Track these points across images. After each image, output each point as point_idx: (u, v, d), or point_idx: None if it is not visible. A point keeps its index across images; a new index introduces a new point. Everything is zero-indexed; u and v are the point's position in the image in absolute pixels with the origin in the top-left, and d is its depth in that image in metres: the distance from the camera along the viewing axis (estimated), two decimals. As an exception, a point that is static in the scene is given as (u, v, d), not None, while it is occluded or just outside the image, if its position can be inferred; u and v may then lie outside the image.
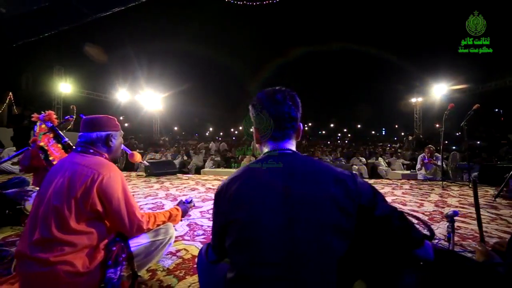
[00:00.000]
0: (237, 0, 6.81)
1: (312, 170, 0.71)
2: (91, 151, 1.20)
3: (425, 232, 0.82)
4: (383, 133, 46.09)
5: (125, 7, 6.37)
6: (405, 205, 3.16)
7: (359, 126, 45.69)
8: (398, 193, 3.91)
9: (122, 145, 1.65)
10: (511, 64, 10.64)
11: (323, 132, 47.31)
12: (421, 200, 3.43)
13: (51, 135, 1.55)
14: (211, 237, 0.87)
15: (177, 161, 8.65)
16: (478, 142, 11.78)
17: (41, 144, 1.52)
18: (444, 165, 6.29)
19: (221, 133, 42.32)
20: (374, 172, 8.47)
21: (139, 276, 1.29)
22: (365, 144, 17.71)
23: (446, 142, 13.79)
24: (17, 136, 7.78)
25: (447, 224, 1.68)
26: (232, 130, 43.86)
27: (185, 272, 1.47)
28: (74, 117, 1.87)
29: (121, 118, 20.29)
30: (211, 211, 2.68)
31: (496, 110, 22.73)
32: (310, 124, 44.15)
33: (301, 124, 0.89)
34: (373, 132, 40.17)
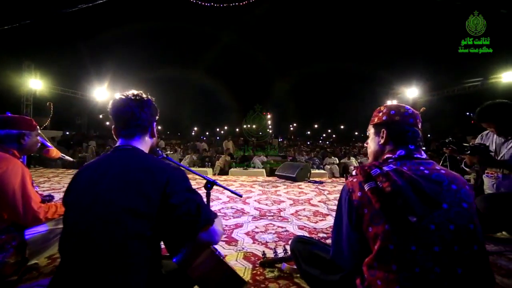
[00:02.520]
0: (203, 1, 6.85)
1: (130, 162, 0.82)
2: None
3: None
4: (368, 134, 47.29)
5: (93, 4, 6.30)
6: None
7: (342, 127, 46.85)
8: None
9: (43, 140, 1.71)
10: (475, 69, 11.34)
11: (308, 132, 48.15)
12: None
13: None
14: None
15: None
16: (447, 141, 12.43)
17: None
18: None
19: (207, 133, 42.12)
20: (345, 171, 8.78)
21: (35, 263, 1.38)
22: (347, 145, 18.22)
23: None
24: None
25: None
26: (218, 129, 43.77)
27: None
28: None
29: (100, 116, 19.72)
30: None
31: (468, 113, 24.02)
32: (295, 124, 44.83)
33: (154, 123, 1.00)
34: (356, 133, 41.28)
